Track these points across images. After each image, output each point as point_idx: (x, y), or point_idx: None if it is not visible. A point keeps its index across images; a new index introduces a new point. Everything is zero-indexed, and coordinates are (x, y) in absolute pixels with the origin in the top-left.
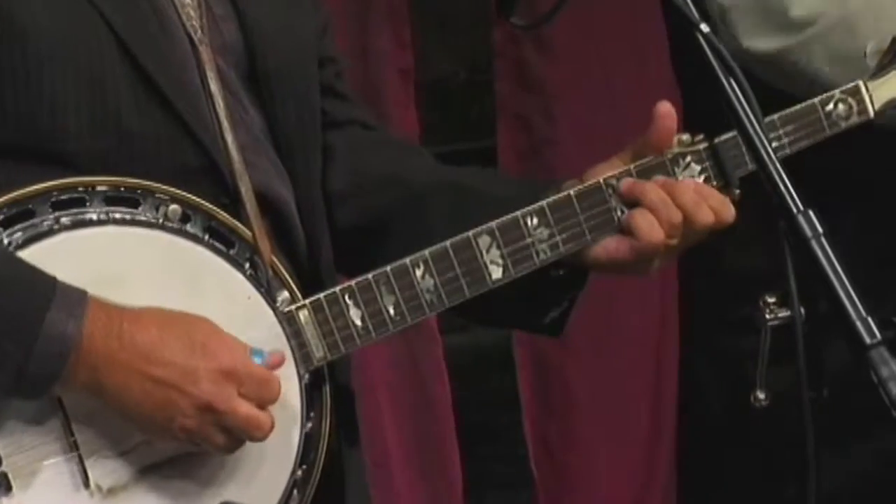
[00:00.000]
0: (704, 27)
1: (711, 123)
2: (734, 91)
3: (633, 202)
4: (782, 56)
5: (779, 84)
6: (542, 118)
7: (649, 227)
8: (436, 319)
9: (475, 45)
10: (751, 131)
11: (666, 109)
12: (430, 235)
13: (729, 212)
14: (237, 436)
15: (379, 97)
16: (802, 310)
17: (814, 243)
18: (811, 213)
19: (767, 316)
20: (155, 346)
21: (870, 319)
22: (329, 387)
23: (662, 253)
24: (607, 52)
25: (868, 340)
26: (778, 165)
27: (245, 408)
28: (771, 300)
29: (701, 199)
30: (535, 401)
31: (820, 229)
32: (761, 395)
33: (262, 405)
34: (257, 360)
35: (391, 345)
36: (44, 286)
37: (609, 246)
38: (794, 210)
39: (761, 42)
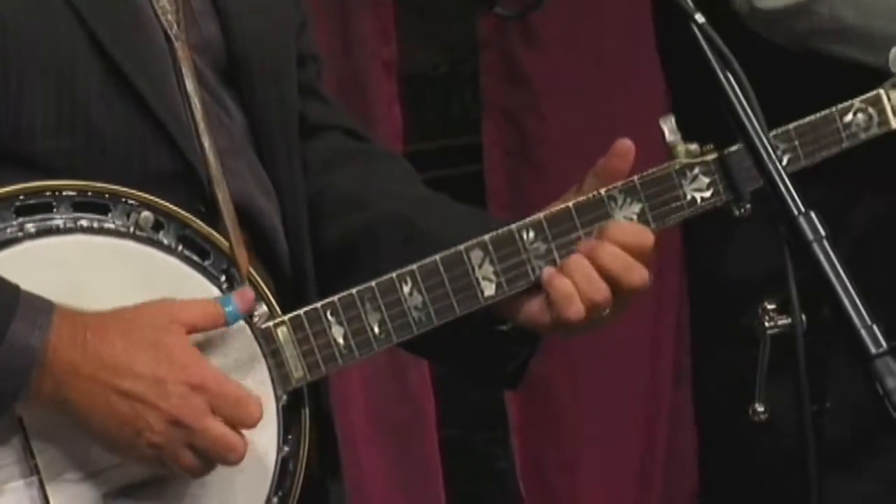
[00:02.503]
0: (699, 18)
1: (704, 129)
2: (731, 86)
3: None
4: (799, 11)
5: (792, 45)
6: (529, 114)
7: (567, 302)
8: None
9: (459, 35)
10: (748, 127)
11: (624, 148)
12: (381, 272)
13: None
14: (208, 457)
15: (362, 92)
16: (804, 317)
17: (816, 247)
18: (813, 214)
19: (767, 324)
20: (121, 357)
21: (875, 328)
22: (308, 410)
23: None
24: (599, 44)
25: (873, 350)
26: (777, 163)
27: (217, 427)
28: (771, 307)
29: (629, 262)
30: (523, 416)
31: (822, 232)
32: (760, 409)
33: (235, 427)
34: (228, 308)
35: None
36: (6, 295)
37: (531, 310)
38: (795, 211)
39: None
